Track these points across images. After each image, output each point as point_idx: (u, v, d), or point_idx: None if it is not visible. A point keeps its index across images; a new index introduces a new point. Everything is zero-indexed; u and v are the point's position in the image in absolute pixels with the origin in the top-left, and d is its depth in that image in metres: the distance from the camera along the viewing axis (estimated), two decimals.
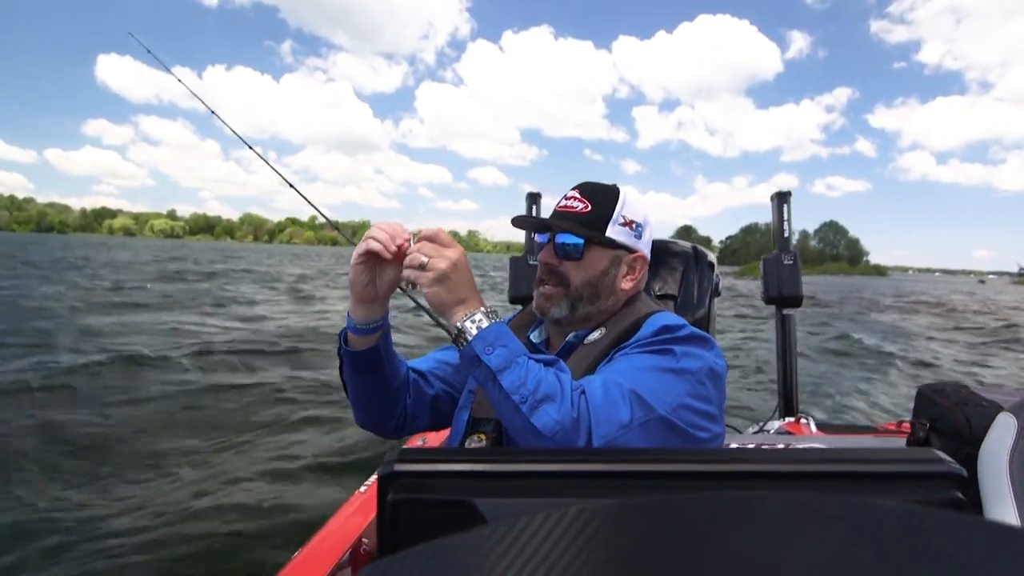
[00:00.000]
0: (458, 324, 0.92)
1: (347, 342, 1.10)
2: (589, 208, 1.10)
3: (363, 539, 1.63)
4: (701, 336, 1.02)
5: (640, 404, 0.88)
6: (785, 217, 2.85)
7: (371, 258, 1.00)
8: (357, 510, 1.82)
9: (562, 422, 0.84)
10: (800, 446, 2.07)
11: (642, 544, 0.23)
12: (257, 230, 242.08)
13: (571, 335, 1.13)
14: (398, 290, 1.06)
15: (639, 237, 1.14)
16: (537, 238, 1.16)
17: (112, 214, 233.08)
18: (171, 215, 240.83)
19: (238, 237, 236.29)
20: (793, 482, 0.31)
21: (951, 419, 1.58)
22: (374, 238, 0.98)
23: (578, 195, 1.12)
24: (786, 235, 2.82)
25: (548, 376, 0.88)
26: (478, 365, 0.90)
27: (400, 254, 0.98)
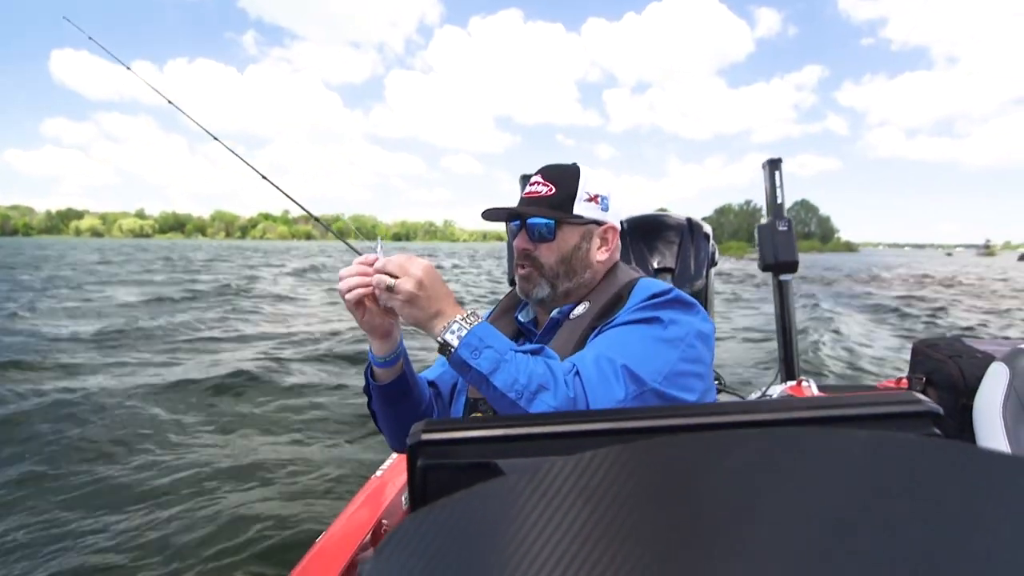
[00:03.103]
0: (439, 338, 0.95)
1: (374, 377, 1.12)
2: (553, 191, 1.14)
3: (383, 520, 1.67)
4: (686, 300, 1.05)
5: (632, 379, 0.92)
6: (778, 184, 2.87)
7: (361, 304, 1.01)
8: (375, 493, 1.89)
9: (560, 407, 0.88)
10: None
11: (644, 480, 0.26)
12: (229, 226, 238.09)
13: (555, 311, 1.16)
14: None
15: (605, 209, 1.17)
16: (512, 226, 1.20)
17: (79, 215, 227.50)
18: (140, 214, 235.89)
19: (209, 234, 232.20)
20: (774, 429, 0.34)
21: (946, 372, 1.62)
22: (347, 288, 0.99)
23: (541, 179, 1.16)
24: (779, 202, 2.84)
25: (538, 367, 0.92)
26: (468, 371, 0.93)
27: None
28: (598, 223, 1.17)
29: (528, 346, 0.98)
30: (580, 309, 1.13)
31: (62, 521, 3.05)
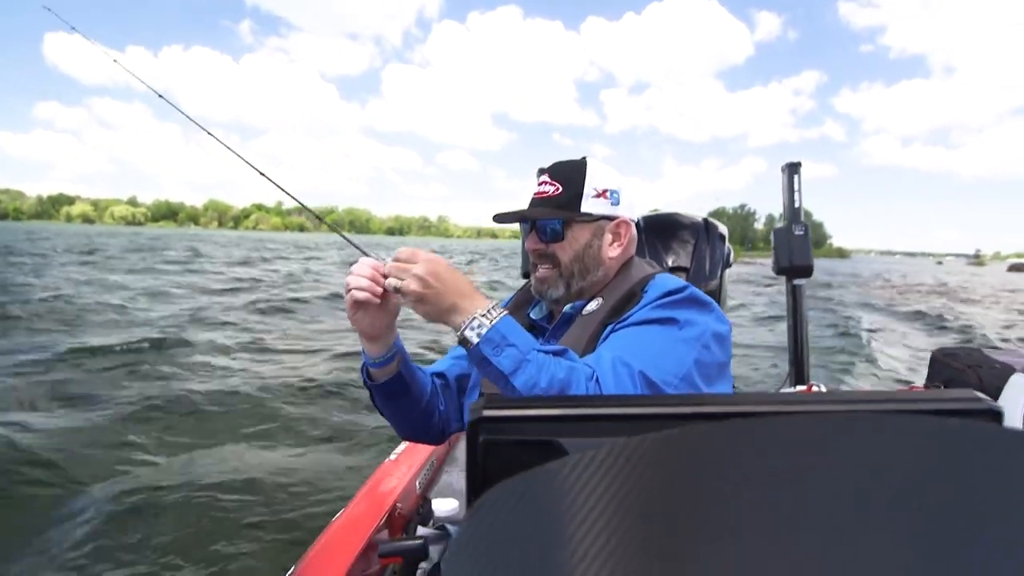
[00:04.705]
0: (458, 334, 0.94)
1: (370, 376, 1.13)
2: (560, 190, 1.14)
3: (398, 504, 1.70)
4: (702, 299, 1.05)
5: (649, 385, 0.92)
6: (796, 188, 2.87)
7: (362, 305, 1.01)
8: (390, 477, 1.92)
9: None
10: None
11: (695, 463, 0.27)
12: (222, 216, 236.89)
13: (568, 307, 1.15)
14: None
15: (616, 203, 1.16)
16: (524, 227, 1.22)
17: (70, 200, 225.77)
18: (132, 201, 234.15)
19: (202, 223, 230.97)
20: None
21: (965, 381, 1.62)
22: (357, 288, 0.99)
23: (548, 179, 1.16)
24: (796, 206, 2.85)
25: (560, 370, 0.91)
26: (488, 366, 0.92)
27: (386, 292, 1.00)
28: (609, 218, 1.16)
29: (551, 346, 0.97)
30: (593, 305, 1.13)
31: None
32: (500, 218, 1.20)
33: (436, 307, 0.94)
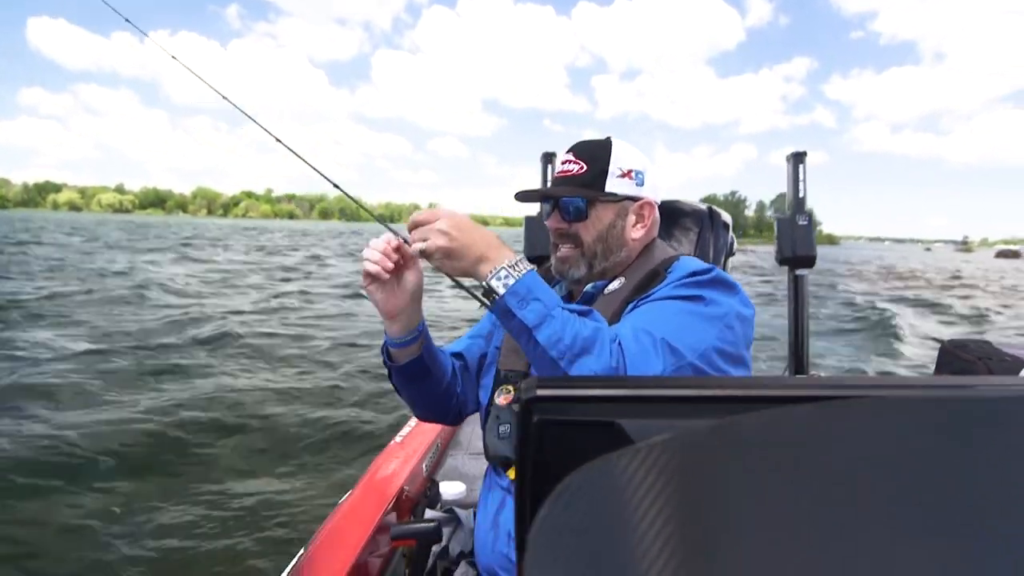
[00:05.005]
0: (484, 284, 0.92)
1: (390, 357, 1.11)
2: (585, 168, 1.11)
3: (405, 487, 1.68)
4: (728, 281, 1.03)
5: (671, 352, 0.90)
6: (801, 178, 2.86)
7: (376, 279, 1.00)
8: (395, 459, 1.92)
9: (600, 373, 0.86)
10: None
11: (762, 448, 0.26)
12: (211, 204, 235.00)
13: (589, 286, 1.13)
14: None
15: (641, 184, 1.14)
16: (545, 207, 1.17)
17: (56, 188, 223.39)
18: (119, 189, 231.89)
19: (191, 211, 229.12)
20: None
21: (975, 373, 1.59)
22: (369, 260, 0.98)
23: (573, 157, 1.13)
24: (801, 196, 2.84)
25: (585, 328, 0.89)
26: (512, 319, 0.90)
27: (401, 262, 1.01)
28: (633, 199, 1.14)
29: (577, 306, 0.95)
30: (615, 284, 1.11)
31: None
32: (523, 196, 1.18)
33: (464, 259, 0.92)
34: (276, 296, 11.28)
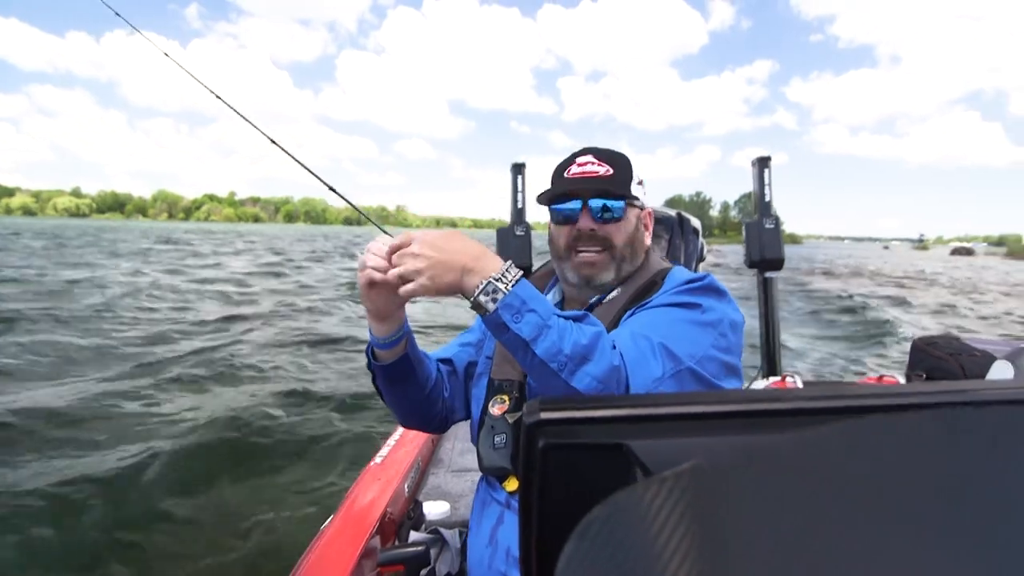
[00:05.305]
0: (471, 299, 0.87)
1: (375, 357, 1.08)
2: (612, 171, 1.10)
3: (388, 510, 1.64)
4: (720, 288, 1.04)
5: (670, 357, 0.89)
6: (766, 182, 2.89)
7: (376, 285, 0.95)
8: (376, 481, 1.86)
9: (602, 379, 0.84)
10: None
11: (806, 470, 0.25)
12: (172, 207, 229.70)
13: (593, 298, 1.11)
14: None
15: (645, 193, 1.16)
16: (555, 208, 1.12)
17: (10, 192, 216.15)
18: (76, 192, 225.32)
19: (151, 215, 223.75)
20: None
21: (947, 368, 1.65)
22: (372, 267, 0.93)
23: (595, 160, 1.11)
24: (767, 199, 2.86)
25: (583, 336, 0.86)
26: (506, 332, 0.86)
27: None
28: (642, 207, 1.16)
29: (572, 312, 0.91)
30: (614, 293, 1.10)
31: None
32: (547, 196, 1.12)
33: (446, 276, 0.87)
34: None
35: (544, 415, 0.34)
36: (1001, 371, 1.26)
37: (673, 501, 0.24)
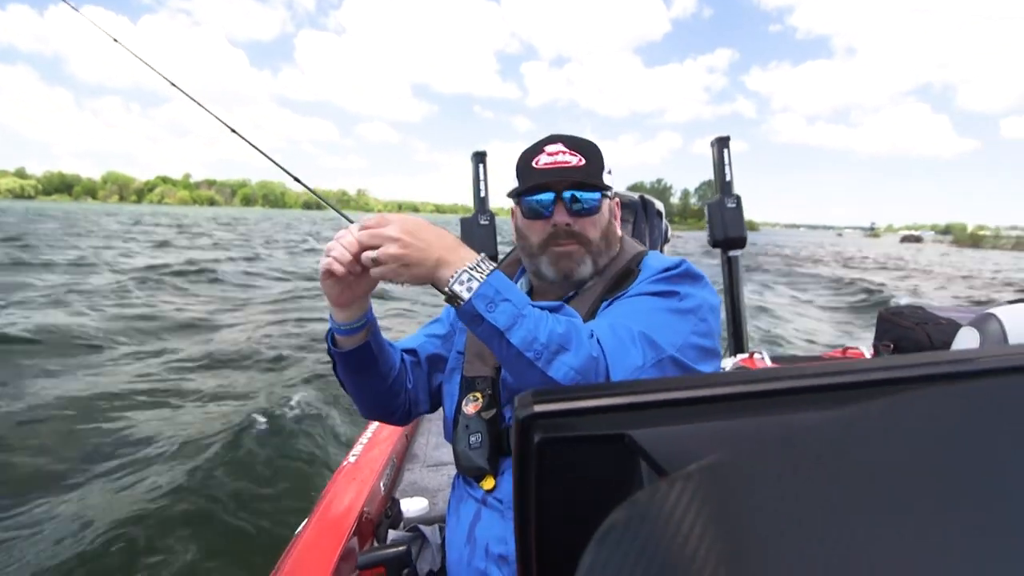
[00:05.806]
0: (446, 289, 0.85)
1: (335, 343, 1.04)
2: (584, 162, 1.06)
3: (365, 509, 1.60)
4: (696, 273, 1.02)
5: (650, 345, 0.88)
6: (726, 162, 2.92)
7: (335, 275, 0.91)
8: (352, 480, 1.81)
9: (580, 369, 0.82)
10: None
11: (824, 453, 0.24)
12: (123, 189, 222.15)
13: (570, 292, 1.08)
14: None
15: (612, 182, 1.12)
16: (526, 200, 1.07)
17: None
18: (20, 173, 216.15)
19: (100, 197, 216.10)
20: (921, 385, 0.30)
21: (914, 337, 1.66)
22: (339, 259, 0.89)
23: (565, 148, 1.07)
24: (728, 179, 2.89)
25: (559, 325, 0.84)
26: (481, 323, 0.84)
27: (359, 269, 0.91)
28: (613, 196, 1.13)
29: (546, 303, 0.90)
30: (589, 283, 1.08)
31: None
32: (520, 190, 1.07)
33: (421, 265, 0.85)
34: None
35: (538, 408, 0.32)
36: (967, 338, 1.29)
37: (700, 500, 0.22)
